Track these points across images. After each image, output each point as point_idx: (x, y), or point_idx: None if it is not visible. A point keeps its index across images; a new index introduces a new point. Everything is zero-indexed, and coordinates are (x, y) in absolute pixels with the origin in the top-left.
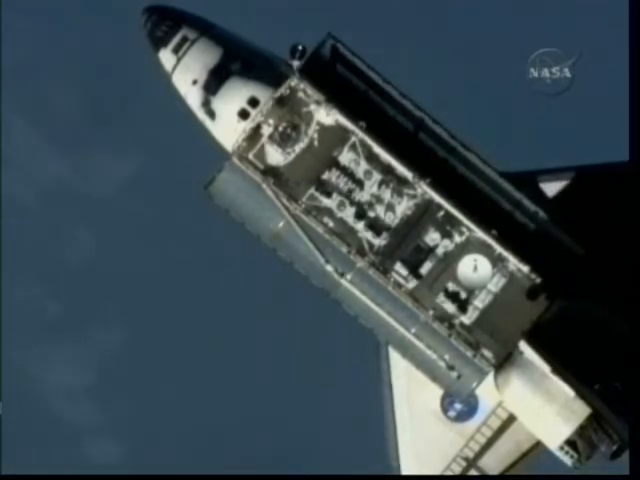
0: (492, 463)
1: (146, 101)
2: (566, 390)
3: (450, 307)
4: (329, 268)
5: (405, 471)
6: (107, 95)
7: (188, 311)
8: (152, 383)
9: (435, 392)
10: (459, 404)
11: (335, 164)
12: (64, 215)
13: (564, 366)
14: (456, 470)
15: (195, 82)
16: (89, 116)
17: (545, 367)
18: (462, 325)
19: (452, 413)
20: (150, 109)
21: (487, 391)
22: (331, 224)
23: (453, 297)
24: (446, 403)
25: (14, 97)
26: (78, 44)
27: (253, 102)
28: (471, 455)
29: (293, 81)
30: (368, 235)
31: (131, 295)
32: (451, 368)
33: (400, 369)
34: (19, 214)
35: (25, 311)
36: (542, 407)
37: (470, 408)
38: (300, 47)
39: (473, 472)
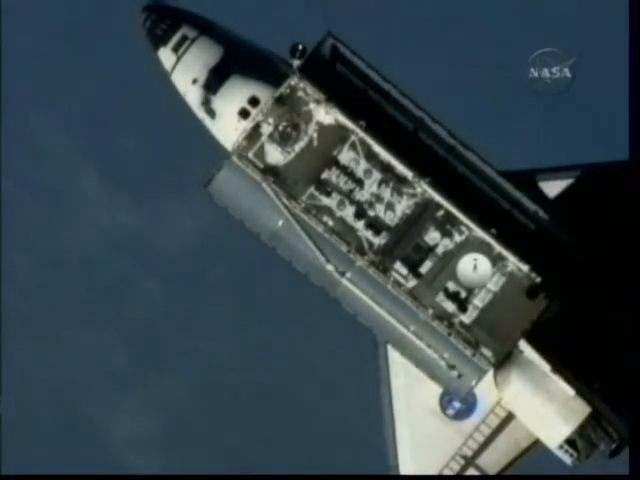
0: (491, 461)
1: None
2: (566, 389)
3: (450, 306)
4: (330, 267)
5: (403, 469)
6: (179, 148)
7: (250, 361)
8: (218, 430)
9: (434, 390)
10: (458, 402)
11: (335, 163)
12: (132, 265)
13: (564, 365)
14: (455, 468)
15: (195, 81)
16: (159, 166)
17: (545, 366)
18: (462, 324)
19: (451, 411)
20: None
21: (485, 389)
22: (331, 223)
23: (453, 296)
24: (445, 401)
25: (83, 146)
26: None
27: (253, 101)
28: (469, 453)
29: (293, 80)
30: (368, 234)
31: (197, 345)
32: (452, 367)
33: (399, 367)
34: (88, 263)
35: (92, 359)
36: (542, 406)
37: (469, 406)
38: (300, 46)
39: (472, 470)
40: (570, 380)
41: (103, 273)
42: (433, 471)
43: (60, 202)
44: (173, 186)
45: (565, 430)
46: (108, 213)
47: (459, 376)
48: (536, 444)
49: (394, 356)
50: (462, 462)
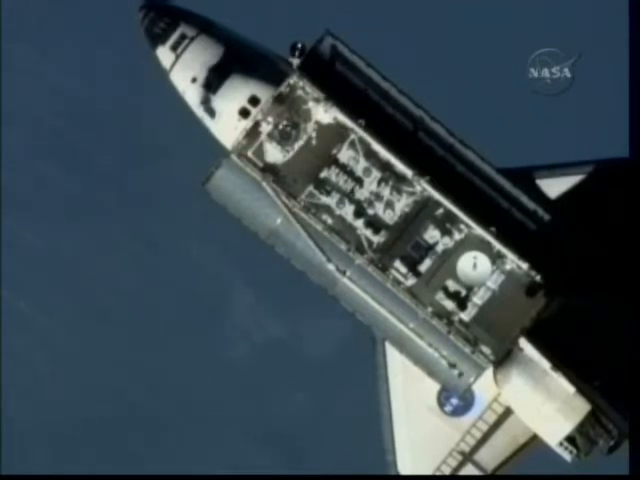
0: (488, 457)
1: None
2: (566, 387)
3: (449, 304)
4: (331, 267)
5: (401, 465)
6: None
7: None
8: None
9: (432, 387)
10: (455, 399)
11: (334, 162)
12: (279, 374)
13: (564, 363)
14: (452, 464)
15: (194, 80)
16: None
17: (545, 364)
18: (461, 322)
19: (448, 408)
20: None
21: (483, 386)
22: (330, 221)
23: (452, 294)
24: (442, 398)
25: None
26: None
27: (254, 101)
28: (467, 449)
29: (292, 79)
30: (367, 232)
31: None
32: (452, 366)
33: (397, 364)
34: (235, 370)
35: (234, 464)
36: (542, 404)
37: (466, 403)
38: (299, 45)
39: (469, 466)
40: (570, 378)
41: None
42: (431, 467)
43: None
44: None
45: (565, 428)
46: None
47: (460, 375)
48: (534, 440)
49: (392, 353)
50: (459, 458)
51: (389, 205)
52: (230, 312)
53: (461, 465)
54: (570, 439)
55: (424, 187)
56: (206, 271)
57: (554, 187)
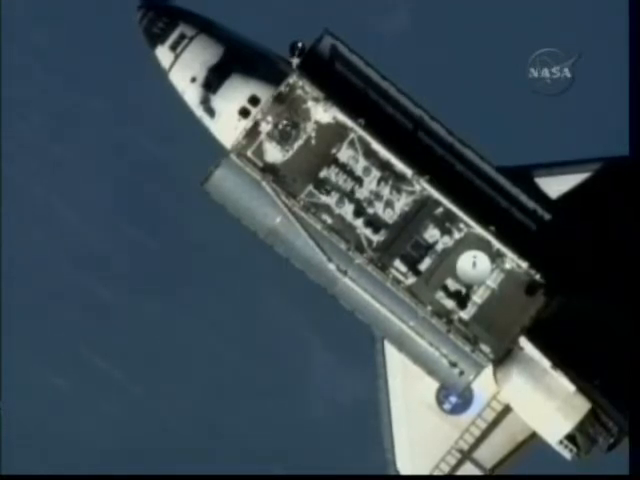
0: (487, 455)
1: None
2: (566, 386)
3: (449, 303)
4: (330, 266)
5: (400, 463)
6: None
7: None
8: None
9: (430, 385)
10: (454, 397)
11: (334, 161)
12: (360, 431)
13: (564, 362)
14: (451, 462)
15: (194, 80)
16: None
17: (545, 363)
18: (460, 320)
19: (447, 406)
20: None
21: (482, 384)
22: (330, 221)
23: (451, 293)
24: (441, 396)
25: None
26: None
27: (254, 100)
28: (466, 447)
29: (292, 78)
30: (367, 232)
31: None
32: (453, 365)
33: (396, 362)
34: (316, 426)
35: None
36: (543, 403)
37: (465, 401)
38: (299, 44)
39: (468, 464)
40: (570, 376)
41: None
42: (430, 465)
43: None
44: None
45: (566, 427)
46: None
47: (460, 373)
48: (532, 437)
49: (391, 351)
50: (458, 456)
51: (389, 204)
52: (310, 373)
53: (460, 463)
54: (570, 437)
55: (424, 186)
56: (285, 331)
57: (554, 186)
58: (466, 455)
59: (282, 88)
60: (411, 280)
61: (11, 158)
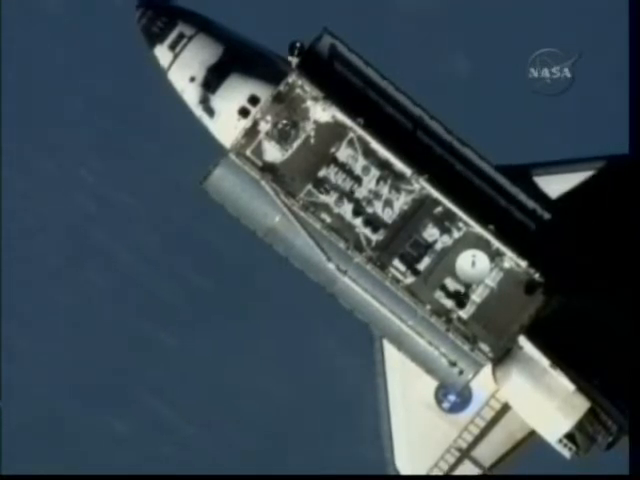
0: (485, 453)
1: None
2: (566, 385)
3: (448, 302)
4: (329, 265)
5: (399, 462)
6: None
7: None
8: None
9: (429, 384)
10: (453, 396)
11: (333, 160)
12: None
13: (564, 361)
14: (450, 460)
15: (193, 79)
16: None
17: (545, 362)
18: (459, 319)
19: (446, 404)
20: None
21: (481, 383)
22: (329, 220)
23: (451, 292)
24: (440, 395)
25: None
26: None
27: (253, 100)
28: (464, 446)
29: (291, 78)
30: (366, 231)
31: None
32: (452, 364)
33: (394, 361)
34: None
35: None
36: (542, 402)
37: (464, 399)
38: (298, 44)
39: (467, 462)
40: (570, 376)
41: None
42: (429, 463)
43: None
44: None
45: (565, 426)
46: None
47: (460, 372)
48: (531, 436)
49: (390, 350)
50: (457, 454)
51: (388, 203)
52: (363, 412)
53: (459, 462)
54: (569, 436)
55: (423, 185)
56: (337, 372)
57: (553, 185)
58: (465, 454)
59: (281, 87)
60: (410, 279)
61: None
